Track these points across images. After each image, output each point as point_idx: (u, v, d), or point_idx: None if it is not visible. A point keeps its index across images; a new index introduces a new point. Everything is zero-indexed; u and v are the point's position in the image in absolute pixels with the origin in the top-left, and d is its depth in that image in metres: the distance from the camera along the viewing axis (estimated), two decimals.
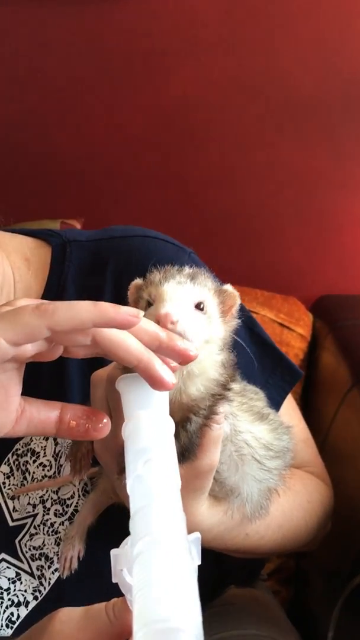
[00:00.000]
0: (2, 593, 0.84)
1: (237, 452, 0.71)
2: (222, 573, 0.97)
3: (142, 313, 0.53)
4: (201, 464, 0.68)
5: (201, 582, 0.45)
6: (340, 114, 1.67)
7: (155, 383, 0.54)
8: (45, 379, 0.84)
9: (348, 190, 1.73)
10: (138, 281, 0.67)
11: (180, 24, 1.65)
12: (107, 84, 1.72)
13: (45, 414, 0.58)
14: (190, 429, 0.65)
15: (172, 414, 0.65)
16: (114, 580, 0.47)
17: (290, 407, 0.94)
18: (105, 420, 0.58)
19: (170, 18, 1.64)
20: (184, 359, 0.56)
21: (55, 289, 0.87)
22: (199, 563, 0.46)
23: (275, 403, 0.89)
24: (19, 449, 0.85)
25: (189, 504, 0.72)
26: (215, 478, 0.71)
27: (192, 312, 0.62)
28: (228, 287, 0.69)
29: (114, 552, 0.47)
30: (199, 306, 0.63)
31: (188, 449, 0.66)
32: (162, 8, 1.64)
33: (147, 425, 0.52)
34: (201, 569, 0.46)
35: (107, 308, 0.51)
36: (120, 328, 0.52)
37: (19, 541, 0.84)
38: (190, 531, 0.73)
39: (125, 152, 1.75)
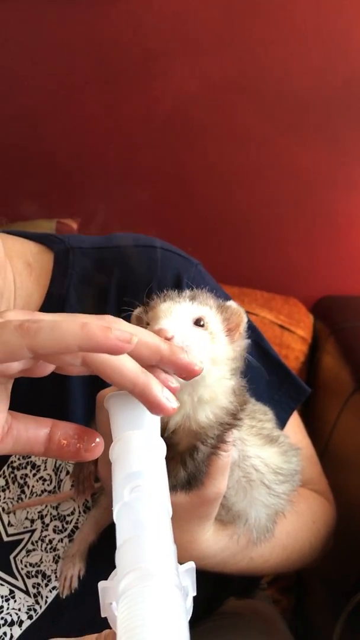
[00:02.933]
0: None
1: (245, 478, 0.69)
2: (220, 584, 0.95)
3: (136, 337, 0.48)
4: (208, 492, 0.66)
5: (199, 595, 0.42)
6: (339, 112, 1.64)
7: (154, 408, 0.49)
8: (47, 393, 0.81)
9: (348, 189, 1.71)
10: (139, 310, 0.64)
11: (178, 23, 1.61)
12: (103, 83, 1.69)
13: (34, 431, 0.52)
14: (197, 457, 0.63)
15: (178, 441, 0.63)
16: (102, 615, 0.44)
17: (295, 424, 0.93)
18: (97, 440, 0.53)
19: (167, 17, 1.61)
20: (189, 374, 0.52)
21: (57, 297, 0.83)
22: (195, 594, 0.43)
23: (281, 420, 0.87)
24: (15, 462, 0.83)
25: (194, 531, 0.70)
26: (222, 503, 0.70)
27: (191, 328, 0.59)
28: (232, 303, 0.66)
29: (102, 584, 0.43)
30: (198, 322, 0.60)
31: (195, 476, 0.64)
32: (159, 7, 1.60)
33: (137, 448, 0.48)
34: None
35: (96, 332, 0.46)
36: (109, 353, 0.47)
37: (14, 557, 0.82)
38: (195, 559, 0.72)
39: (123, 152, 1.71)
